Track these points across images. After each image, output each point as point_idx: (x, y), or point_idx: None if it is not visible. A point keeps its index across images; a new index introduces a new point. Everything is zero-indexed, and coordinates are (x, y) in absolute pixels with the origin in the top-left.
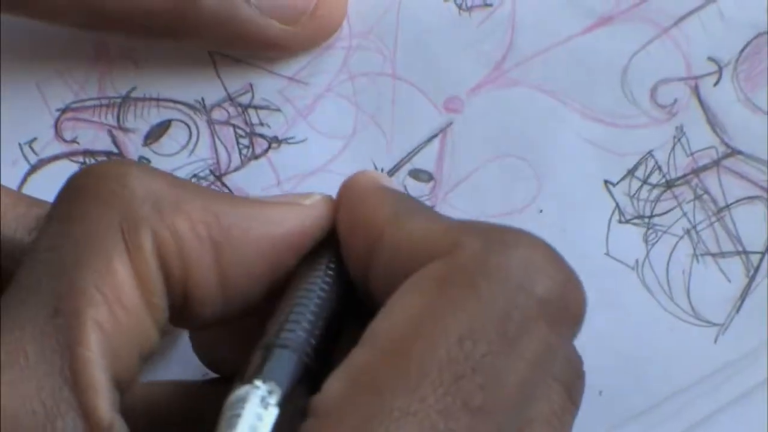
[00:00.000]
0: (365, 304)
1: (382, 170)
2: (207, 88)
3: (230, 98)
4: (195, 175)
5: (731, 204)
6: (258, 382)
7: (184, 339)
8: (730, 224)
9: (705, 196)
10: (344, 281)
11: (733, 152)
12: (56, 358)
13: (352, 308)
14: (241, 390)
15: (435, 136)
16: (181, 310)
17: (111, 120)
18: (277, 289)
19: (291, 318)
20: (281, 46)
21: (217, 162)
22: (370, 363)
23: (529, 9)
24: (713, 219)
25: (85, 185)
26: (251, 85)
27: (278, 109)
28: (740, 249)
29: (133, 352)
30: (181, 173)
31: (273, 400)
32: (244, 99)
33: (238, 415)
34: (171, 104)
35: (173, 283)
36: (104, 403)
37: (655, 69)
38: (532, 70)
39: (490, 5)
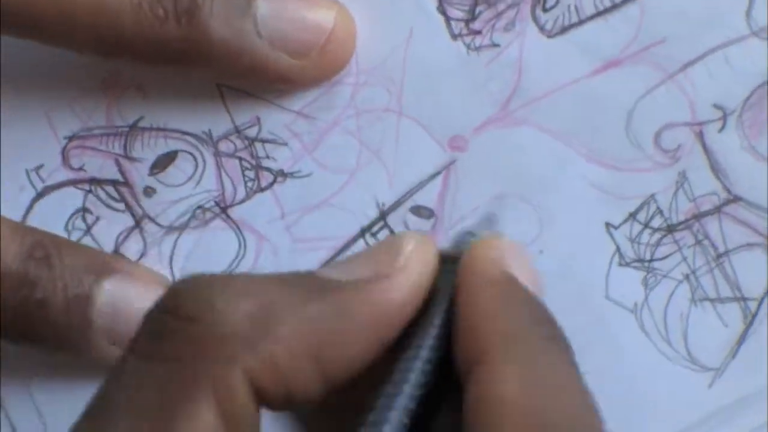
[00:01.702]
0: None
1: (384, 205)
2: (214, 119)
3: (237, 131)
4: (200, 206)
5: (731, 250)
6: None
7: None
8: (729, 270)
9: (705, 242)
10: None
11: (735, 199)
12: None
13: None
14: None
15: (438, 173)
16: (285, 406)
17: (118, 149)
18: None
19: (386, 401)
20: (290, 80)
21: (223, 194)
22: None
23: (537, 50)
24: (713, 264)
25: (170, 324)
26: (258, 118)
27: (285, 143)
28: (738, 295)
29: None
30: (187, 204)
31: None
32: (251, 132)
33: None
34: (178, 135)
35: (274, 398)
36: None
37: (660, 114)
38: (538, 110)
39: (498, 46)
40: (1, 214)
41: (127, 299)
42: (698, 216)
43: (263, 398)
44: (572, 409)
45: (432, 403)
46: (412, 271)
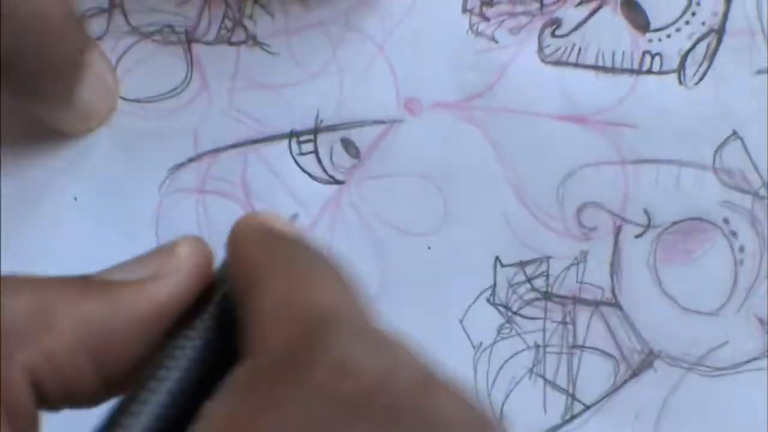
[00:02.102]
0: None
1: (321, 122)
2: None
3: None
4: (170, 26)
5: (587, 348)
6: None
7: None
8: (575, 363)
9: (570, 326)
10: (223, 332)
11: (615, 305)
12: None
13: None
14: None
15: (382, 122)
16: (65, 403)
17: None
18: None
19: (129, 410)
20: None
21: (196, 26)
22: None
23: (526, 67)
24: (565, 350)
25: None
26: None
27: (272, 15)
28: (570, 391)
29: None
30: (161, 17)
31: None
32: None
33: None
34: None
35: (53, 393)
36: None
37: (594, 189)
38: (496, 121)
39: (497, 42)
40: None
41: None
42: (577, 300)
43: (42, 393)
44: (328, 304)
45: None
46: (183, 271)
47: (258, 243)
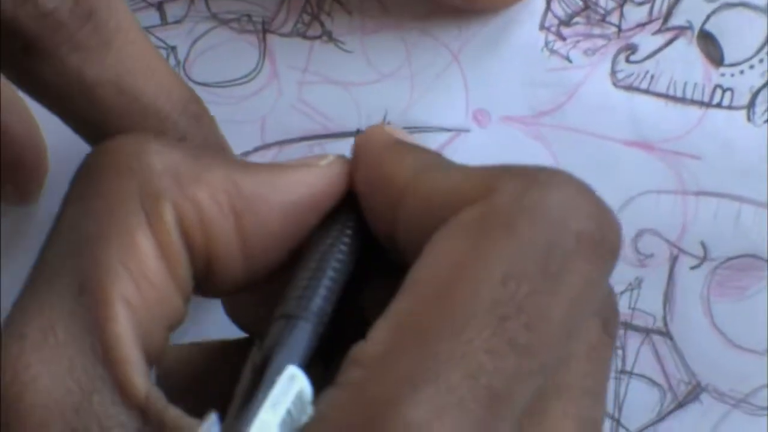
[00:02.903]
0: (392, 261)
1: (388, 123)
2: None
3: None
4: (248, 15)
5: (635, 374)
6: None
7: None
8: (622, 389)
9: (619, 351)
10: (364, 241)
11: (666, 334)
12: (86, 336)
13: (376, 266)
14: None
15: (448, 130)
16: (204, 279)
17: None
18: (298, 253)
19: (308, 286)
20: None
21: (273, 18)
22: (413, 310)
23: (597, 89)
24: (613, 375)
25: (102, 162)
26: None
27: (349, 13)
28: (616, 416)
29: (161, 324)
30: (240, 6)
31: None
32: None
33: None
34: None
35: (196, 254)
36: (138, 375)
37: (653, 215)
38: (561, 139)
39: (570, 62)
40: None
41: None
42: (628, 326)
43: (191, 249)
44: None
45: (354, 295)
46: (330, 168)
47: (397, 148)
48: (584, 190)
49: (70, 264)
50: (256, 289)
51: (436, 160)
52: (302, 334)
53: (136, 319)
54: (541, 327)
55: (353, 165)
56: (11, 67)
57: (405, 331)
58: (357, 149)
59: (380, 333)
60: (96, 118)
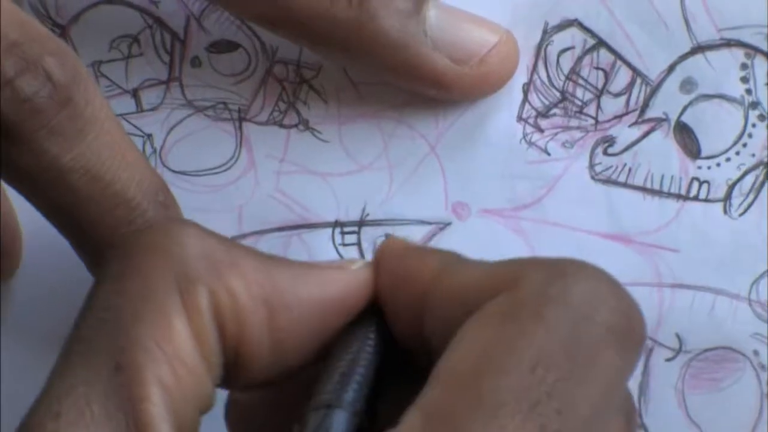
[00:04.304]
0: (410, 363)
1: (367, 215)
2: (287, 43)
3: (298, 65)
4: (224, 103)
5: None
6: None
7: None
8: None
9: None
10: (386, 343)
11: (642, 427)
12: (121, 415)
13: (393, 369)
14: None
15: (428, 223)
16: (232, 370)
17: (196, 9)
18: (321, 353)
19: (347, 379)
20: (446, 84)
21: (249, 106)
22: (444, 397)
23: (575, 183)
24: None
25: (138, 242)
26: (321, 68)
27: (326, 102)
28: None
29: (193, 408)
30: (216, 93)
31: None
32: (308, 73)
33: None
34: (251, 34)
35: (227, 342)
36: None
37: None
38: (541, 234)
39: (549, 155)
40: None
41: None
42: None
43: (223, 337)
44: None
45: (378, 394)
46: (361, 272)
47: (420, 249)
48: (609, 282)
49: (105, 342)
50: (268, 393)
51: (457, 257)
52: (342, 424)
53: (170, 401)
54: (572, 412)
55: (375, 270)
56: None
57: (437, 418)
58: (378, 255)
59: (412, 420)
60: (67, 204)
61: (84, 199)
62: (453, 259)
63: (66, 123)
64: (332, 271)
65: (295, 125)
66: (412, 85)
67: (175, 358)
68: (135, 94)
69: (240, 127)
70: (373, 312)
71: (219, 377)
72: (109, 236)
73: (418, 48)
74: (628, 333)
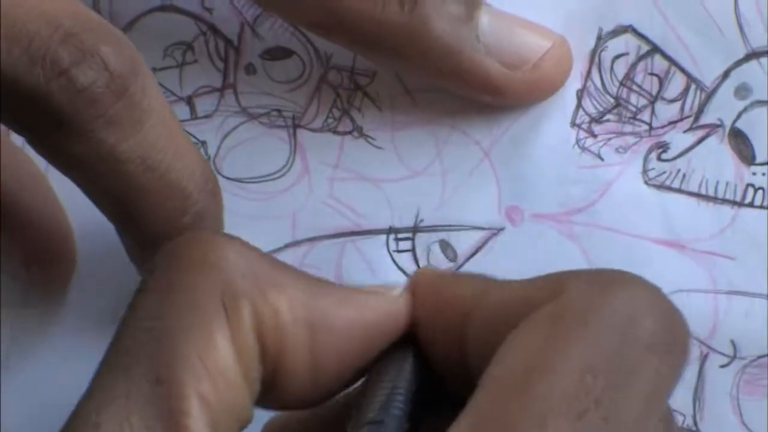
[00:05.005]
0: (444, 391)
1: (421, 221)
2: (342, 50)
3: (352, 71)
4: (279, 110)
5: None
6: None
7: None
8: None
9: None
10: (423, 369)
11: None
12: (160, 428)
13: (428, 396)
14: None
15: (482, 228)
16: (270, 388)
17: (250, 15)
18: (358, 378)
19: (391, 398)
20: (498, 89)
21: (304, 113)
22: (493, 402)
23: (629, 188)
24: None
25: (184, 254)
26: (375, 73)
27: (380, 109)
28: None
29: (233, 425)
30: (271, 100)
31: None
32: (362, 80)
33: None
34: (304, 40)
35: (268, 360)
36: None
37: (685, 316)
38: (593, 238)
39: (602, 160)
40: None
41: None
42: None
43: (264, 354)
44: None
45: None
46: (401, 298)
47: (456, 275)
48: (653, 291)
49: (147, 353)
50: (305, 416)
51: (493, 280)
52: None
53: (209, 416)
54: (619, 421)
55: (412, 298)
56: (41, 142)
57: (486, 424)
58: (414, 283)
59: (462, 427)
60: (122, 194)
61: (140, 189)
62: (490, 281)
63: (123, 113)
64: (373, 297)
65: (350, 132)
66: (465, 91)
67: (216, 373)
68: (189, 101)
69: (294, 134)
70: (408, 339)
71: (257, 393)
72: (163, 227)
73: (471, 53)
74: (672, 343)
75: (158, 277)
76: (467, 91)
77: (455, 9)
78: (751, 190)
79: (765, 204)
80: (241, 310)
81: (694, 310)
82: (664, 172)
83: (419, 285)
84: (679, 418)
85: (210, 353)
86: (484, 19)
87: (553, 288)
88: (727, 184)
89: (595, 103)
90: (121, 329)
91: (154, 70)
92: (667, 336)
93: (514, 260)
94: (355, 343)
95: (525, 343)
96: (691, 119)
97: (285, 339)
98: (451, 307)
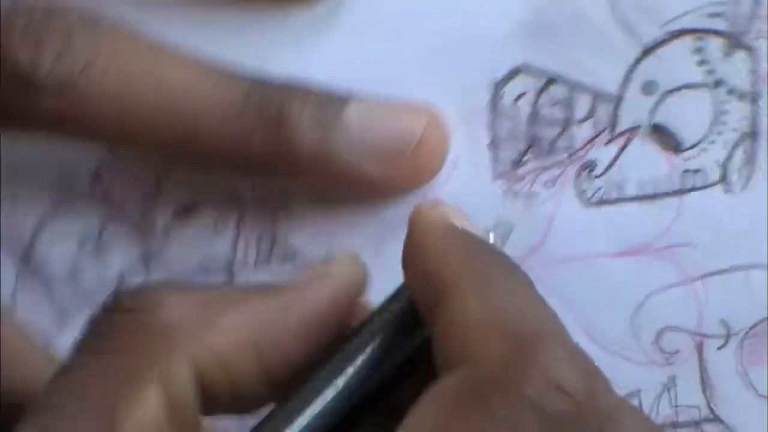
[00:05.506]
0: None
1: None
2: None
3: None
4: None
5: None
6: None
7: None
8: None
9: None
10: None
11: (715, 419)
12: None
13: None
14: None
15: None
16: (230, 405)
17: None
18: (330, 347)
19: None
20: (379, 184)
21: (233, 259)
22: None
23: (569, 215)
24: None
25: (114, 317)
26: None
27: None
28: None
29: None
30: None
31: None
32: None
33: None
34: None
35: (218, 392)
36: None
37: (667, 314)
38: (553, 274)
39: (535, 198)
40: None
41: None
42: (676, 425)
43: (209, 393)
44: (535, 319)
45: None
46: (342, 275)
47: (446, 241)
48: (573, 361)
49: (71, 419)
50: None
51: (477, 269)
52: None
53: None
54: None
55: (405, 246)
56: None
57: None
58: (409, 226)
59: None
60: None
61: None
62: (470, 271)
63: None
64: (313, 288)
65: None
66: (349, 191)
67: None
68: None
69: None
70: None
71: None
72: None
73: (342, 161)
74: (577, 421)
75: (89, 340)
76: (351, 192)
77: (320, 115)
78: (689, 175)
79: (709, 182)
80: (174, 365)
81: (676, 305)
82: (600, 188)
83: (413, 232)
84: (694, 412)
85: (137, 414)
86: (352, 115)
87: (475, 345)
88: (664, 178)
89: (509, 148)
90: (44, 394)
91: None
92: (575, 425)
93: None
94: (306, 342)
95: (425, 422)
96: (608, 131)
97: (231, 369)
98: (426, 283)
